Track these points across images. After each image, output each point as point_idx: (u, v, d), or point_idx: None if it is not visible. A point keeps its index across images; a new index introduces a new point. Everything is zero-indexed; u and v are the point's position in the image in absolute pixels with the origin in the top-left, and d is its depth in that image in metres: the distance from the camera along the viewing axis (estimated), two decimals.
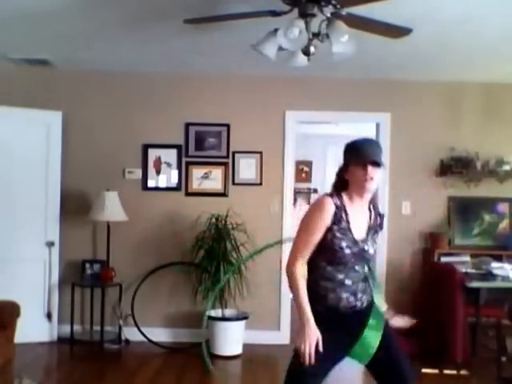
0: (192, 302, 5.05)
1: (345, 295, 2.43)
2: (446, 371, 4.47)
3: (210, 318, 4.88)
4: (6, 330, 3.54)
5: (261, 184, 5.26)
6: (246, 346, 4.90)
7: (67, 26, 3.89)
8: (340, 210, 2.44)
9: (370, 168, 2.44)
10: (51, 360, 4.80)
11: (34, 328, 4.84)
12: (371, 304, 2.53)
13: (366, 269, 2.55)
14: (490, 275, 4.42)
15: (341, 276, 2.43)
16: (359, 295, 2.47)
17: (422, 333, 4.85)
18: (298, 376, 2.38)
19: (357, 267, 2.47)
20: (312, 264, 2.44)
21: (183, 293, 5.11)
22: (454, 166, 5.11)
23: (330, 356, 2.36)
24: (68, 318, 4.93)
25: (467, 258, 4.94)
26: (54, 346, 4.98)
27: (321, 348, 2.30)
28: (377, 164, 2.46)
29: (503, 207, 5.29)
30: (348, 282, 2.43)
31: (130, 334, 5.13)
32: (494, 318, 4.58)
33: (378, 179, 2.49)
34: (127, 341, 5.14)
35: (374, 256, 2.59)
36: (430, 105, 5.29)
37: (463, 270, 4.50)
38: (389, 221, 5.26)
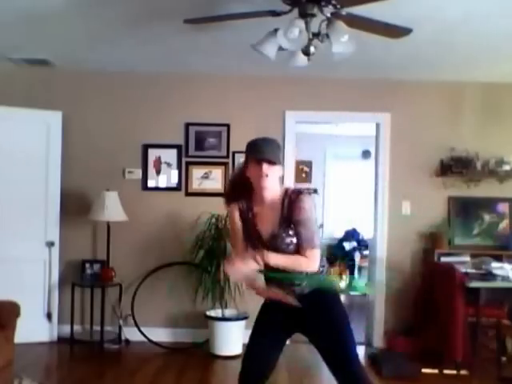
0: (192, 302, 5.04)
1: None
2: (446, 371, 4.46)
3: (210, 318, 4.88)
4: (6, 330, 3.54)
5: None
6: (245, 346, 4.90)
7: (67, 26, 3.90)
8: (245, 212, 2.67)
9: (264, 165, 2.53)
10: (51, 360, 4.80)
11: (34, 328, 4.84)
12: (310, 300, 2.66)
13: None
14: (490, 275, 4.41)
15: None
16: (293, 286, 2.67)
17: (422, 333, 4.86)
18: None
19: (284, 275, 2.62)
20: None
21: (183, 293, 5.11)
22: (454, 166, 5.11)
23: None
24: (68, 318, 4.93)
25: (467, 258, 4.93)
26: (54, 346, 4.99)
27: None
28: (272, 162, 2.54)
29: (503, 207, 5.29)
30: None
31: (130, 334, 5.13)
32: (494, 318, 4.57)
33: (274, 176, 2.57)
34: (127, 341, 5.15)
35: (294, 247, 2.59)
36: (430, 105, 5.29)
37: (463, 270, 4.49)
38: (389, 221, 5.27)
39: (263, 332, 2.77)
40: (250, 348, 2.76)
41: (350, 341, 2.71)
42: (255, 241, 2.63)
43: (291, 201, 2.56)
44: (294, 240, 2.56)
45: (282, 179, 2.66)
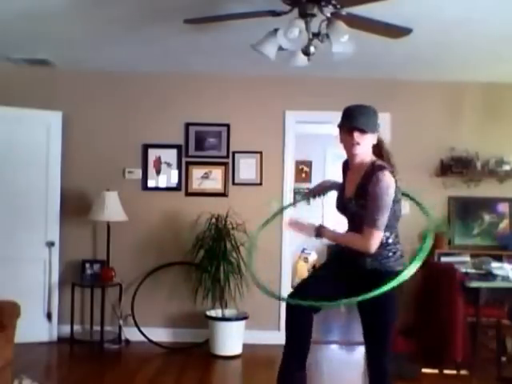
0: (192, 302, 5.04)
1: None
2: (446, 371, 4.46)
3: (210, 317, 4.89)
4: (6, 330, 3.53)
5: (261, 184, 5.26)
6: (245, 346, 4.90)
7: (67, 26, 3.90)
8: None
9: (355, 134, 2.58)
10: (51, 360, 4.80)
11: (34, 328, 4.84)
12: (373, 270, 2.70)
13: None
14: (490, 275, 4.41)
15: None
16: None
17: (422, 333, 4.86)
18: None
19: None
20: None
21: (183, 293, 5.11)
22: (454, 166, 5.11)
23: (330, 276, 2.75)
24: (68, 318, 4.93)
25: (467, 258, 4.92)
26: (54, 345, 4.99)
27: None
28: (362, 130, 2.58)
29: (503, 207, 5.29)
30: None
31: (130, 334, 5.13)
32: (494, 318, 4.57)
33: (365, 144, 2.62)
34: (127, 341, 5.15)
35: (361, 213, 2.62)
36: (430, 105, 5.29)
37: (463, 270, 4.49)
38: None
39: (326, 272, 2.84)
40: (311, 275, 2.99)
41: (388, 338, 2.76)
42: (339, 199, 2.78)
43: (373, 171, 2.57)
44: (360, 208, 2.59)
45: (380, 146, 2.72)
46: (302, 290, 2.77)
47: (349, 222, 2.80)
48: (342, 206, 2.76)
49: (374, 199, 2.50)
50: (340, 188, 2.85)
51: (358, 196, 2.61)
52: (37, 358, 4.62)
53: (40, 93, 5.15)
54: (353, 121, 2.60)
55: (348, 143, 2.64)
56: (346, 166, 2.82)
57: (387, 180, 2.51)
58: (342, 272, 2.73)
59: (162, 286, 5.18)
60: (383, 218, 2.51)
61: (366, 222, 2.53)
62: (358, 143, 2.59)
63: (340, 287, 2.68)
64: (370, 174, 2.56)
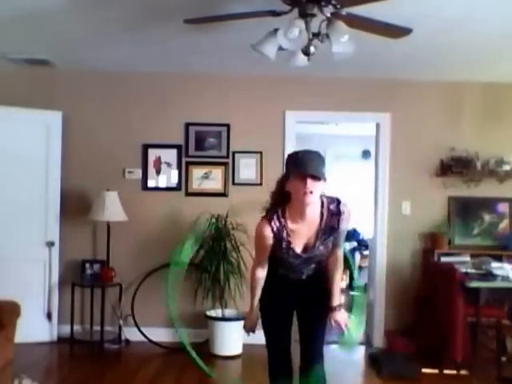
0: (192, 302, 5.04)
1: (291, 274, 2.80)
2: (446, 371, 4.47)
3: (210, 317, 4.88)
4: (6, 329, 3.54)
5: (261, 184, 5.26)
6: (246, 346, 4.90)
7: (67, 26, 3.89)
8: (280, 231, 2.59)
9: (309, 181, 2.45)
10: (51, 360, 4.80)
11: (34, 328, 4.84)
12: (312, 278, 2.81)
13: (313, 265, 2.79)
14: (490, 275, 4.41)
15: (286, 272, 2.80)
16: (303, 272, 2.80)
17: (422, 333, 4.86)
18: (267, 332, 2.93)
19: (303, 267, 2.76)
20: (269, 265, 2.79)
21: (183, 293, 5.10)
22: (454, 166, 5.11)
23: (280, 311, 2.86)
24: (68, 318, 4.93)
25: (467, 258, 4.93)
26: (54, 345, 4.99)
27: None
28: (317, 177, 2.48)
29: (503, 207, 5.29)
30: (292, 275, 2.80)
31: (130, 334, 5.13)
32: (494, 318, 4.58)
33: (317, 192, 2.53)
34: (127, 341, 5.15)
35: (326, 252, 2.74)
36: (430, 105, 5.29)
37: (463, 270, 4.49)
38: (389, 221, 5.27)
39: (280, 323, 2.92)
40: (277, 344, 2.95)
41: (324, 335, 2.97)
42: (285, 255, 2.66)
43: (331, 213, 2.61)
44: (326, 246, 2.67)
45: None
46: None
47: (301, 268, 2.78)
48: (291, 259, 2.69)
49: (345, 231, 2.72)
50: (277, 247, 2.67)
51: (323, 239, 2.65)
52: (37, 358, 4.62)
53: (40, 93, 5.15)
54: (306, 167, 2.46)
55: (299, 192, 2.47)
56: (279, 223, 2.61)
57: (348, 212, 2.66)
58: (289, 299, 2.86)
59: (161, 285, 5.17)
60: None
61: (338, 246, 2.74)
62: (311, 192, 2.45)
63: (290, 316, 2.96)
64: (333, 214, 2.62)
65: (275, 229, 2.58)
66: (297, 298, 2.86)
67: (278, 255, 2.67)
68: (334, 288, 2.81)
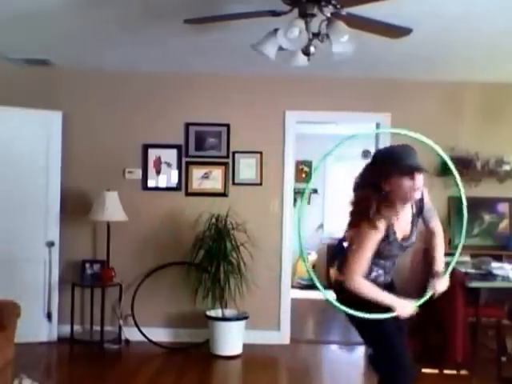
0: (192, 302, 5.04)
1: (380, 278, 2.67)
2: (446, 371, 4.47)
3: (210, 317, 4.88)
4: (6, 330, 3.54)
5: (261, 184, 5.26)
6: (245, 346, 4.90)
7: (67, 26, 3.89)
8: (389, 231, 2.51)
9: (419, 177, 2.38)
10: (51, 360, 4.80)
11: (34, 328, 4.84)
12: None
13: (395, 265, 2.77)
14: (490, 275, 4.41)
15: (377, 274, 2.67)
16: (390, 273, 2.74)
17: (422, 333, 4.85)
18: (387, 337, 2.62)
19: (391, 266, 2.74)
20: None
21: (183, 293, 5.10)
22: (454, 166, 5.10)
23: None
24: (68, 318, 4.93)
25: (467, 258, 4.93)
26: (54, 346, 4.98)
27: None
28: (423, 172, 2.43)
29: (503, 207, 5.29)
30: (380, 278, 2.67)
31: (130, 334, 5.13)
32: (494, 318, 4.58)
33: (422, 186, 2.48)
34: (127, 341, 5.15)
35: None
36: (430, 105, 5.29)
37: (463, 270, 4.49)
38: None
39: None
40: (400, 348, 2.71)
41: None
42: (387, 246, 2.55)
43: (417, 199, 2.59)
44: (417, 233, 2.65)
45: None
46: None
47: (399, 251, 2.64)
48: (393, 251, 2.62)
49: (429, 202, 2.69)
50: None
51: (415, 225, 2.65)
52: (37, 358, 4.62)
53: (40, 93, 5.15)
54: (414, 163, 2.37)
55: (406, 188, 2.38)
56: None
57: (426, 192, 2.66)
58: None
59: (161, 286, 5.18)
60: None
61: (431, 220, 2.73)
62: (418, 188, 2.38)
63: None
64: (418, 202, 2.64)
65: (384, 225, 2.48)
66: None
67: (379, 249, 2.51)
68: (437, 254, 2.72)
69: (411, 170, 2.37)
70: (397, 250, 2.62)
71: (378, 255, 2.55)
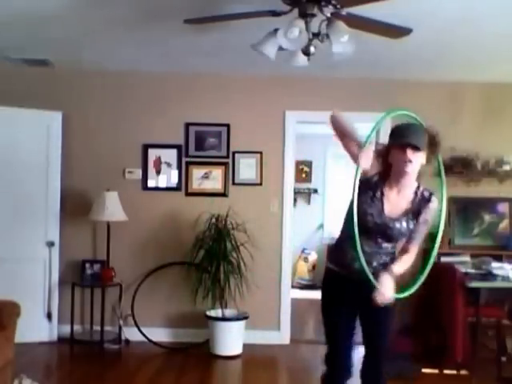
0: (192, 302, 5.04)
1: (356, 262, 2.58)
2: (446, 371, 4.47)
3: (210, 317, 4.88)
4: (6, 330, 3.54)
5: (261, 184, 5.26)
6: (245, 346, 4.91)
7: (67, 27, 3.89)
8: (377, 184, 2.64)
9: (408, 151, 2.52)
10: (51, 360, 4.80)
11: (34, 328, 4.84)
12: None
13: (390, 245, 2.71)
14: (490, 275, 4.41)
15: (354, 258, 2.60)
16: (373, 262, 2.67)
17: (422, 333, 4.86)
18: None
19: (375, 252, 2.69)
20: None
21: (183, 293, 5.10)
22: (454, 166, 5.10)
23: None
24: (68, 318, 4.93)
25: (467, 258, 4.93)
26: (54, 346, 4.99)
27: None
28: (416, 148, 2.53)
29: (503, 207, 5.28)
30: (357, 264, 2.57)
31: (130, 334, 5.13)
32: (494, 318, 4.58)
33: (417, 163, 2.57)
34: (127, 341, 5.15)
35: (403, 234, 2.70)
36: (430, 105, 5.27)
37: (463, 270, 4.49)
38: None
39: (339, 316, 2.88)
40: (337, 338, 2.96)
41: (387, 347, 2.91)
42: (369, 209, 2.63)
43: (424, 199, 2.67)
44: (406, 232, 2.66)
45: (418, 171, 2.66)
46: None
47: (375, 235, 2.66)
48: (378, 220, 2.64)
49: (428, 224, 2.69)
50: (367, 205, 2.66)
51: (408, 219, 2.67)
52: (37, 358, 4.62)
53: (40, 93, 5.15)
54: (406, 138, 2.54)
55: (400, 161, 2.56)
56: (380, 180, 2.68)
57: (436, 206, 2.70)
58: (349, 299, 2.78)
59: (161, 286, 5.18)
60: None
61: (415, 241, 2.69)
62: (410, 161, 2.53)
63: (352, 318, 2.93)
64: (422, 202, 2.67)
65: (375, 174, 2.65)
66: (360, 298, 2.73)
67: (362, 209, 2.57)
68: (395, 265, 2.69)
69: (401, 144, 2.53)
70: (379, 219, 2.63)
71: (365, 216, 2.61)
